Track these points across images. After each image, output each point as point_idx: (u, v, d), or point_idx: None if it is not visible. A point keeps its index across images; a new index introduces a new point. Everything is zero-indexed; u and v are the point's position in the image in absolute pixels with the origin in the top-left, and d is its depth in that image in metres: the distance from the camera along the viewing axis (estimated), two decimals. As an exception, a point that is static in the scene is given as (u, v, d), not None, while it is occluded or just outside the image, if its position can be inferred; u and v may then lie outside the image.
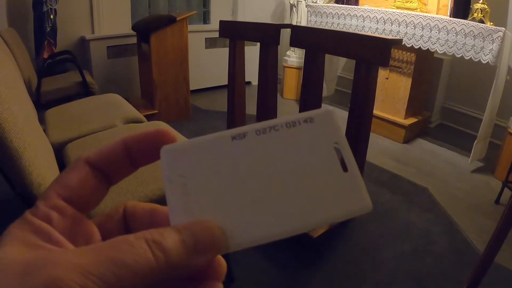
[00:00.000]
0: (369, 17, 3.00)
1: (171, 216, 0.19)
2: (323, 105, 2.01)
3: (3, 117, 0.84)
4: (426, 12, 2.82)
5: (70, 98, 2.53)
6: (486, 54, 2.32)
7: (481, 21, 2.44)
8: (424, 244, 1.71)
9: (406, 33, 2.75)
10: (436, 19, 2.56)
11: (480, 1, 2.47)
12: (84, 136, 1.59)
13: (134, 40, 3.29)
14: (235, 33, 2.27)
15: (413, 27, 2.70)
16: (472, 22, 2.40)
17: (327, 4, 3.44)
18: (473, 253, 1.66)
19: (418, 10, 2.87)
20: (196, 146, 0.20)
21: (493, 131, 2.56)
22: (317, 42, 1.73)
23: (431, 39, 2.60)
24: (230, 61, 2.32)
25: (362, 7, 3.14)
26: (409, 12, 2.79)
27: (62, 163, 1.41)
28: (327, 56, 1.89)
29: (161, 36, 2.89)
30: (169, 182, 0.20)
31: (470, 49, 2.40)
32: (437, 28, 2.55)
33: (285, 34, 1.93)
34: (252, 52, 3.13)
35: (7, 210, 1.61)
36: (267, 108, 2.09)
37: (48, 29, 2.91)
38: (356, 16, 3.10)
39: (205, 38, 4.01)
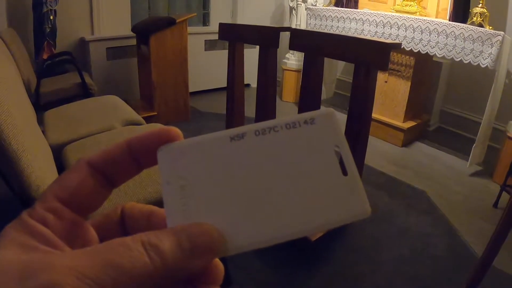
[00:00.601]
0: (369, 21, 3.00)
1: (168, 218, 0.19)
2: (322, 107, 2.01)
3: (2, 119, 0.84)
4: (425, 16, 2.83)
5: (69, 99, 2.53)
6: (485, 58, 2.33)
7: (480, 25, 2.44)
8: (423, 247, 1.71)
9: (405, 36, 2.75)
10: (435, 22, 2.57)
11: (479, 5, 2.48)
12: (83, 138, 1.59)
13: (133, 41, 3.28)
14: (234, 36, 2.27)
15: (412, 30, 2.70)
16: (471, 26, 2.40)
17: (326, 7, 3.44)
18: (472, 256, 1.66)
19: (418, 13, 2.88)
20: (193, 147, 0.20)
21: (492, 135, 2.56)
22: (316, 45, 1.74)
23: (430, 42, 2.61)
24: (229, 64, 2.33)
25: (361, 10, 3.14)
26: (409, 15, 2.79)
27: (61, 165, 1.41)
28: (327, 59, 1.89)
29: (161, 38, 2.89)
30: (166, 183, 0.19)
31: (469, 53, 2.41)
32: (436, 32, 2.56)
33: (285, 36, 1.93)
34: (251, 54, 3.13)
35: (6, 211, 1.60)
36: (266, 110, 2.09)
37: (48, 30, 2.91)
38: (356, 19, 3.11)
39: (205, 40, 4.02)
